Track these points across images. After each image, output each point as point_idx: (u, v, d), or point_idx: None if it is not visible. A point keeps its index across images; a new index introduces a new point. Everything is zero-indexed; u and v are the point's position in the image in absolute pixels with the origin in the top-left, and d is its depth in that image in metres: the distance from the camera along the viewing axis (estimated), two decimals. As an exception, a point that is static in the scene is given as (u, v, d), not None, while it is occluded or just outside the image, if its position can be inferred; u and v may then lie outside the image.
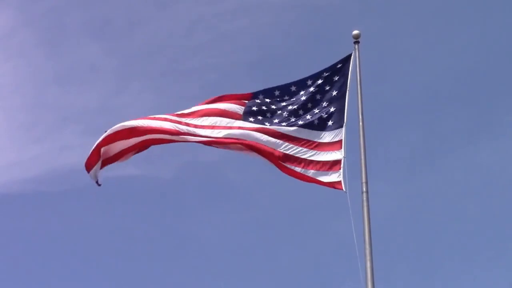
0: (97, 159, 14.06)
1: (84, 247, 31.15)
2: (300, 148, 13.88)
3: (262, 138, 13.93)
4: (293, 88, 14.68)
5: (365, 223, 12.61)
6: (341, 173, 13.38)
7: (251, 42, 34.39)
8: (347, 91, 14.15)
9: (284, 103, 14.57)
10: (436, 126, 32.24)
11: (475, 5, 33.97)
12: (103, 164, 14.16)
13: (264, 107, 14.53)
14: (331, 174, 13.50)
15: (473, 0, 34.20)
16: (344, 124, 13.89)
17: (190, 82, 33.41)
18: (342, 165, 13.47)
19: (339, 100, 14.19)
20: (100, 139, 14.05)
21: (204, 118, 14.31)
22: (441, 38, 33.67)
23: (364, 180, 13.02)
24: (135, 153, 14.38)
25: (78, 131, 32.63)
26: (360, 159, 13.28)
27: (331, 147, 13.76)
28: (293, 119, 14.34)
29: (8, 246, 31.40)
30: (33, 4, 35.10)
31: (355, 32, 14.50)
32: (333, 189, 13.35)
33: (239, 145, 13.92)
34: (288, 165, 13.74)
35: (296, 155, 13.80)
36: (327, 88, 14.47)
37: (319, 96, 14.47)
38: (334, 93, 14.32)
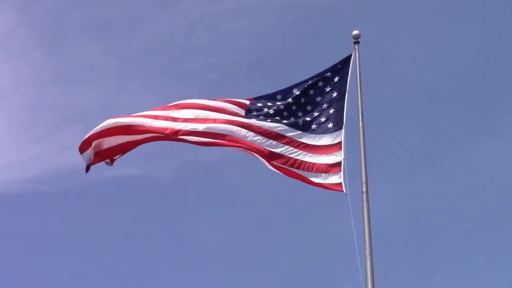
0: (88, 147, 14.06)
1: (84, 247, 31.20)
2: (295, 150, 13.89)
3: (248, 134, 13.94)
4: (295, 91, 14.65)
5: (365, 223, 12.61)
6: (342, 175, 13.39)
7: (251, 42, 34.44)
8: (347, 92, 14.14)
9: (285, 105, 14.55)
10: (436, 126, 32.28)
11: (475, 5, 34.02)
12: (96, 156, 14.16)
13: (265, 108, 14.53)
14: (330, 176, 13.49)
15: (473, 0, 34.26)
16: (344, 125, 13.89)
17: (190, 82, 33.44)
18: (342, 167, 13.47)
19: (339, 101, 14.18)
20: (92, 132, 14.05)
21: (197, 111, 14.31)
22: (441, 38, 33.72)
23: (364, 180, 13.02)
24: (121, 155, 14.40)
25: (78, 131, 32.57)
26: (360, 159, 13.28)
27: (330, 150, 13.75)
28: (292, 120, 14.34)
29: (8, 246, 31.45)
30: (33, 4, 35.15)
31: (355, 32, 14.49)
32: (329, 190, 13.37)
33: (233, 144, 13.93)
34: (277, 163, 13.76)
35: (290, 156, 13.82)
36: (328, 89, 14.45)
37: (319, 98, 14.45)
38: (334, 94, 14.31)
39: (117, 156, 14.40)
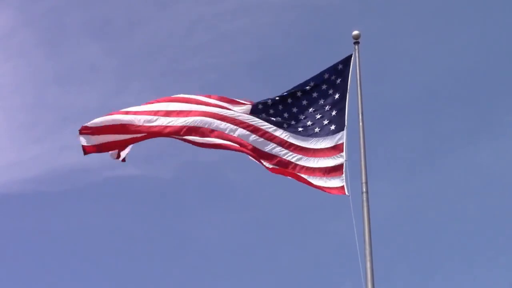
0: (89, 133, 14.08)
1: (84, 247, 31.21)
2: (296, 155, 13.91)
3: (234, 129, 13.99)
4: (298, 94, 14.63)
5: (365, 223, 12.61)
6: (344, 178, 13.37)
7: (251, 42, 34.44)
8: (347, 93, 14.13)
9: (287, 108, 14.56)
10: (436, 126, 32.28)
11: (475, 5, 34.02)
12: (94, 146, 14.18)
13: (270, 110, 14.53)
14: (332, 179, 13.48)
15: (473, 0, 34.27)
16: (345, 126, 13.87)
17: (190, 82, 33.43)
18: (344, 169, 13.45)
19: (340, 102, 14.17)
20: (94, 125, 14.03)
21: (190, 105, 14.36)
22: (441, 38, 33.73)
23: (364, 180, 13.01)
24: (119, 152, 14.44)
25: (78, 131, 32.56)
26: (360, 159, 13.28)
27: (332, 152, 13.73)
28: (293, 122, 14.34)
29: (8, 246, 31.46)
30: (33, 4, 35.15)
31: (355, 32, 14.48)
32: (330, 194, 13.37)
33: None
34: (276, 166, 13.80)
35: (293, 161, 13.83)
36: (330, 92, 14.42)
37: (322, 100, 14.43)
38: (336, 96, 14.30)
39: (117, 152, 14.42)
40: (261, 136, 14.02)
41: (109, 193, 32.35)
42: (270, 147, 13.97)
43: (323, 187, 13.46)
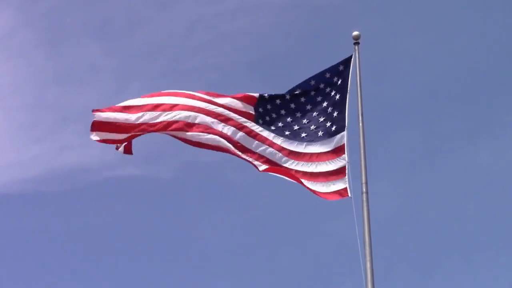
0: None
1: (84, 247, 31.21)
2: (297, 162, 13.93)
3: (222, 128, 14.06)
4: (302, 100, 14.63)
5: (365, 224, 12.61)
6: (347, 180, 13.37)
7: (251, 42, 34.44)
8: (348, 93, 14.12)
9: (290, 111, 14.59)
10: (436, 126, 32.28)
11: (475, 5, 34.02)
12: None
13: (273, 114, 14.56)
14: (334, 183, 13.47)
15: (473, 0, 34.27)
16: (346, 127, 13.85)
17: (190, 82, 33.49)
18: (347, 171, 13.43)
19: (341, 103, 14.15)
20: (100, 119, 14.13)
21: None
22: (441, 38, 33.72)
23: (364, 180, 13.00)
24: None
25: (78, 131, 32.55)
26: (360, 160, 13.26)
27: (333, 155, 13.70)
28: (296, 128, 14.34)
29: (8, 246, 31.46)
30: (33, 4, 35.13)
31: (355, 33, 14.47)
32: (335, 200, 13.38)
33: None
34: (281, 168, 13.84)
35: (294, 168, 13.85)
36: (332, 93, 14.42)
37: (326, 103, 14.42)
38: (337, 97, 14.28)
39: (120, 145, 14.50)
40: (262, 142, 14.10)
41: (109, 193, 32.39)
42: (269, 152, 14.04)
43: (320, 192, 13.45)
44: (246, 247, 30.37)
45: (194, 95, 14.48)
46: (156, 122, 14.15)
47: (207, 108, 14.29)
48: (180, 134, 14.19)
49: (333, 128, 14.00)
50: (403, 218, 29.71)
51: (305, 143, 14.08)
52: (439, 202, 30.10)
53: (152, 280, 29.37)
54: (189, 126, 14.16)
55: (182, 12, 35.13)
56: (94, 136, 14.20)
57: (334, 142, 13.82)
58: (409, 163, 31.30)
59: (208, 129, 14.10)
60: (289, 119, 14.49)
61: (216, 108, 14.30)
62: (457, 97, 32.94)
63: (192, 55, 34.24)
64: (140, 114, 14.21)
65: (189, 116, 14.21)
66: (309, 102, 14.55)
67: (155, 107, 14.25)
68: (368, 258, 12.32)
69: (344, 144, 13.69)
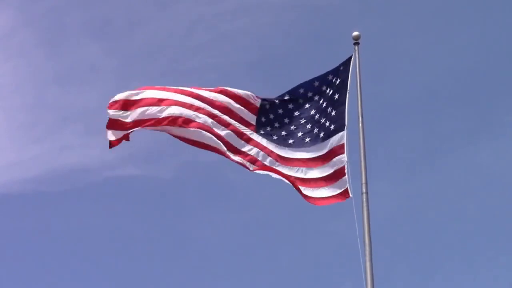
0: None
1: (84, 247, 31.20)
2: (299, 168, 13.96)
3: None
4: (307, 106, 14.64)
5: (364, 224, 12.60)
6: (346, 179, 13.35)
7: (251, 42, 34.42)
8: (347, 93, 14.12)
9: (293, 115, 14.62)
10: (436, 126, 32.27)
11: (475, 5, 34.01)
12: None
13: (276, 123, 14.59)
14: (332, 186, 13.46)
15: (473, 0, 34.27)
16: (346, 127, 13.84)
17: (190, 82, 33.12)
18: (346, 171, 13.39)
19: (340, 103, 14.15)
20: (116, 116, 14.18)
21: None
22: (441, 38, 33.71)
23: (364, 181, 13.00)
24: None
25: (78, 131, 32.64)
26: (360, 160, 13.25)
27: (332, 155, 13.69)
28: (300, 134, 14.34)
29: (8, 246, 31.46)
30: (33, 4, 35.11)
31: (355, 33, 14.47)
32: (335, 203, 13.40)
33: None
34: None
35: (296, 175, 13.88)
36: (331, 93, 14.43)
37: (325, 104, 14.43)
38: (336, 96, 14.29)
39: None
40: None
41: (109, 193, 32.38)
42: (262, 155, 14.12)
43: (324, 199, 13.46)
44: (246, 247, 30.40)
45: (198, 94, 14.57)
46: (164, 117, 14.17)
47: (206, 109, 14.34)
48: (177, 129, 14.23)
49: (332, 127, 13.99)
50: (403, 218, 29.74)
51: (305, 147, 14.11)
52: (439, 202, 30.13)
53: (152, 280, 29.40)
54: (187, 122, 14.22)
55: (182, 12, 35.15)
56: (111, 136, 14.16)
57: (333, 141, 13.80)
58: (409, 163, 31.33)
59: (204, 127, 14.15)
60: (292, 127, 14.50)
61: (218, 114, 14.35)
62: (457, 97, 32.97)
63: (192, 55, 34.26)
64: (145, 108, 14.21)
65: (190, 114, 14.26)
66: (309, 104, 14.57)
67: (159, 101, 14.35)
68: (368, 258, 12.32)
69: (343, 144, 13.69)
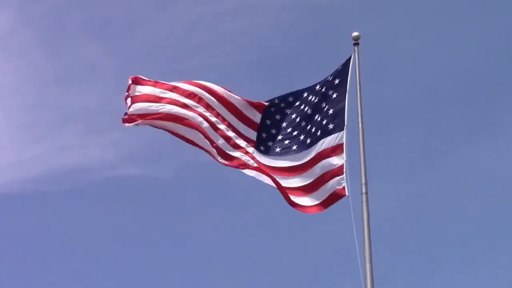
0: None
1: (84, 247, 31.23)
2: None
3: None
4: (309, 111, 14.64)
5: (364, 224, 12.59)
6: (344, 178, 13.34)
7: (251, 42, 34.44)
8: (347, 93, 14.11)
9: (295, 118, 14.63)
10: (436, 126, 32.29)
11: (475, 5, 34.02)
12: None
13: (280, 136, 14.61)
14: (329, 183, 13.46)
15: (473, 0, 34.27)
16: (345, 127, 13.82)
17: (190, 83, 33.24)
18: (344, 170, 13.39)
19: (340, 103, 14.13)
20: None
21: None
22: (441, 38, 33.72)
23: (363, 181, 12.98)
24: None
25: (78, 131, 32.67)
26: (360, 160, 13.24)
27: (331, 154, 13.68)
28: (302, 137, 14.34)
29: (8, 246, 31.47)
30: (33, 4, 35.13)
31: (355, 34, 14.46)
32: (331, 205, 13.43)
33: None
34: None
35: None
36: (330, 93, 14.42)
37: (324, 103, 14.43)
38: (334, 95, 14.27)
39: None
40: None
41: (109, 193, 32.41)
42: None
43: (320, 204, 13.49)
44: (246, 247, 30.41)
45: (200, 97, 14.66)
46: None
47: (205, 114, 14.43)
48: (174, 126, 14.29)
49: (330, 126, 13.98)
50: (403, 218, 29.75)
51: (304, 151, 14.13)
52: (439, 202, 30.14)
53: (152, 280, 29.41)
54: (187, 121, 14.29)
55: (182, 12, 35.17)
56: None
57: (333, 141, 13.78)
58: (409, 163, 31.34)
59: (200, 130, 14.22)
60: (295, 133, 14.52)
61: (219, 124, 14.40)
62: (457, 97, 32.99)
63: (192, 55, 34.28)
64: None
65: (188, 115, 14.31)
66: (309, 107, 14.59)
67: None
68: (367, 258, 12.32)
69: (343, 143, 13.68)
